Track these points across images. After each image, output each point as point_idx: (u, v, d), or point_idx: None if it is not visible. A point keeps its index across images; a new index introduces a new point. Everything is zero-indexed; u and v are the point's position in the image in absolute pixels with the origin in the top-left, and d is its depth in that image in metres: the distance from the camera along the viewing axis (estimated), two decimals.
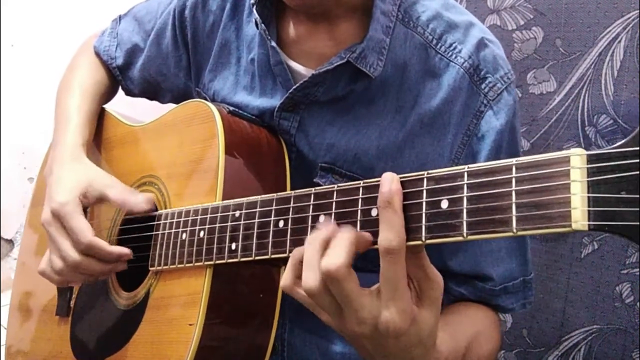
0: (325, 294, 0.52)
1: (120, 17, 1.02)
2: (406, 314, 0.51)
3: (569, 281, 1.23)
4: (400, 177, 0.51)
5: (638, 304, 1.14)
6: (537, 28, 1.22)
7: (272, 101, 0.79)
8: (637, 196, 0.38)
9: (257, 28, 0.78)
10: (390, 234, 0.49)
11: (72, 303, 0.89)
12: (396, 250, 0.49)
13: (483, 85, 0.74)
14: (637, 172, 0.38)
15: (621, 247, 1.16)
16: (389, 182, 0.50)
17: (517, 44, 1.24)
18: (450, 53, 0.74)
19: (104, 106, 0.99)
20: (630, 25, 1.10)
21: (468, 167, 0.47)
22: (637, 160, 0.38)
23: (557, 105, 1.21)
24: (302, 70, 0.77)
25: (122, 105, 1.02)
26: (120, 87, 1.04)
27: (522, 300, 0.79)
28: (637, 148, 0.38)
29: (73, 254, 0.76)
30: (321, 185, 0.75)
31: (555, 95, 1.21)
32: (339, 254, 0.51)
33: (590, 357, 1.22)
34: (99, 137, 0.95)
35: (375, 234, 0.51)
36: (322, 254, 0.52)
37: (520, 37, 1.24)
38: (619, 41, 1.12)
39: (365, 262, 0.83)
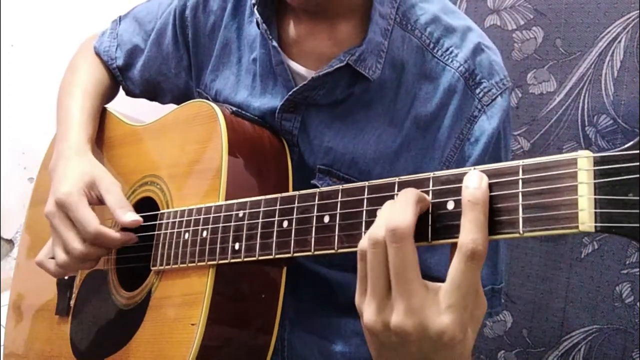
0: (380, 256, 0.47)
1: (120, 18, 1.01)
2: (465, 325, 0.47)
3: (569, 281, 1.23)
4: (406, 178, 0.51)
5: (638, 304, 1.15)
6: (537, 28, 1.22)
7: (273, 101, 0.79)
8: None
9: (259, 28, 0.78)
10: (478, 235, 0.44)
11: (72, 302, 0.89)
12: (483, 254, 0.44)
13: (478, 90, 0.74)
14: None
15: (621, 247, 1.16)
16: (479, 179, 0.46)
17: (517, 44, 1.24)
18: (447, 57, 0.74)
19: (106, 106, 0.99)
20: (630, 25, 1.10)
21: (475, 169, 0.47)
22: None
23: (557, 105, 1.21)
24: (302, 70, 0.77)
25: (123, 106, 1.02)
26: (120, 88, 1.03)
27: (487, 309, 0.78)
28: None
29: (78, 246, 0.75)
30: (319, 188, 0.75)
31: (555, 95, 1.21)
32: (405, 210, 0.46)
33: (590, 357, 1.22)
34: (101, 136, 0.95)
35: None
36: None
37: (520, 37, 1.24)
38: (619, 41, 1.12)
39: (346, 259, 0.82)
